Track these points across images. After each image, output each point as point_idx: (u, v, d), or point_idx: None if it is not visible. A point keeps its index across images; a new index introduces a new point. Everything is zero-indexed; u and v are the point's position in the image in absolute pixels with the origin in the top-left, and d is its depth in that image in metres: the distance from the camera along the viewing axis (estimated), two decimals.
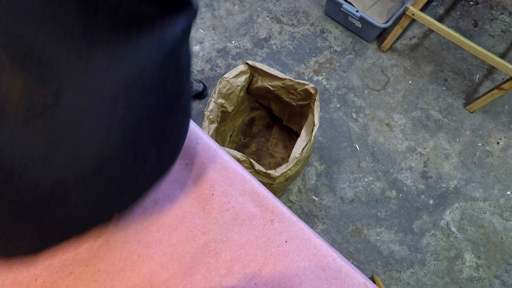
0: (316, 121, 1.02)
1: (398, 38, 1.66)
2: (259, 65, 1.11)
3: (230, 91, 1.13)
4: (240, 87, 1.14)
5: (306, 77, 1.60)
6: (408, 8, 1.35)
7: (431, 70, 1.60)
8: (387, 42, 1.58)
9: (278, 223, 0.56)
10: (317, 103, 1.06)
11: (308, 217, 1.38)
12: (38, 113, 0.21)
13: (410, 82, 1.58)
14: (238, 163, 0.62)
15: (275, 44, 1.67)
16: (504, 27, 1.67)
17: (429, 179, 1.42)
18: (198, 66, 1.63)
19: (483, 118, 1.51)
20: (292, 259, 0.55)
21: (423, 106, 1.54)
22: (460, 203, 1.39)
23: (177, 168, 0.60)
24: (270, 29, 1.70)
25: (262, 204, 0.57)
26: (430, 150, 1.47)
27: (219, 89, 1.10)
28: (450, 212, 1.37)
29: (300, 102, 1.17)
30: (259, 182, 0.60)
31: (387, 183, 1.42)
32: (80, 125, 0.24)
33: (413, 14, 1.36)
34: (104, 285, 0.55)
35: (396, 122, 1.51)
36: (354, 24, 1.60)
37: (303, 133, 1.06)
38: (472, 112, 1.52)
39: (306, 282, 0.54)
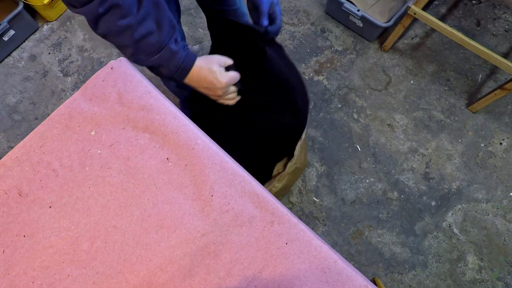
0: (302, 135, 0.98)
1: (400, 37, 1.66)
2: None
3: None
4: None
5: (306, 77, 1.60)
6: (410, 7, 1.36)
7: (433, 70, 1.60)
8: (389, 42, 1.58)
9: (278, 225, 0.56)
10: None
11: (308, 219, 1.38)
12: None
13: (412, 82, 1.58)
14: (238, 164, 0.62)
15: None
16: (507, 26, 1.67)
17: (431, 180, 1.42)
18: None
19: (485, 119, 1.51)
20: (293, 261, 0.55)
21: (425, 106, 1.54)
22: (463, 205, 1.39)
23: (176, 169, 0.60)
24: None
25: (262, 205, 0.57)
26: (432, 151, 1.47)
27: None
28: (452, 214, 1.38)
29: None
30: (260, 184, 0.60)
31: (389, 184, 1.42)
32: None
33: (415, 13, 1.36)
34: (102, 287, 0.55)
35: (398, 122, 1.52)
36: (355, 23, 1.60)
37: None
38: (474, 113, 1.52)
39: (307, 284, 0.54)
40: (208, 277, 0.56)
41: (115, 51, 1.67)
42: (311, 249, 0.56)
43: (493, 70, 1.59)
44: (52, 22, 1.73)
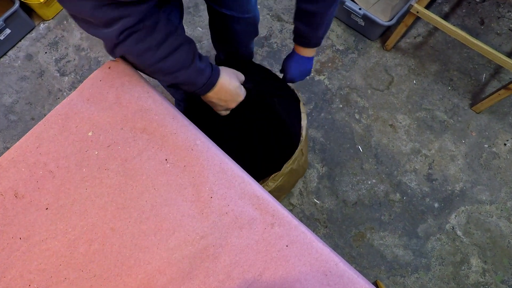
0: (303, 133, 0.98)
1: (402, 36, 1.66)
2: None
3: None
4: None
5: (307, 77, 1.60)
6: (412, 5, 1.36)
7: (436, 70, 1.60)
8: (391, 41, 1.58)
9: (278, 227, 0.57)
10: (303, 115, 1.01)
11: (309, 221, 1.38)
12: None
13: (414, 81, 1.59)
14: (237, 165, 0.62)
15: (275, 42, 1.67)
16: (511, 25, 1.67)
17: (434, 182, 1.43)
18: None
19: (489, 119, 1.51)
20: (293, 264, 0.55)
21: (428, 106, 1.54)
22: (466, 206, 1.39)
23: (175, 171, 0.60)
24: (271, 27, 1.70)
25: (262, 207, 0.57)
26: (435, 152, 1.47)
27: None
28: (455, 216, 1.38)
29: None
30: (259, 185, 0.60)
31: (391, 186, 1.42)
32: None
33: (417, 12, 1.36)
34: None
35: (400, 123, 1.52)
36: (357, 22, 1.60)
37: None
38: (478, 113, 1.52)
39: (308, 287, 0.54)
40: (207, 280, 0.56)
41: None
42: (312, 251, 0.56)
43: (497, 69, 1.59)
44: (49, 21, 1.73)
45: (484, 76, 1.59)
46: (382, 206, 1.39)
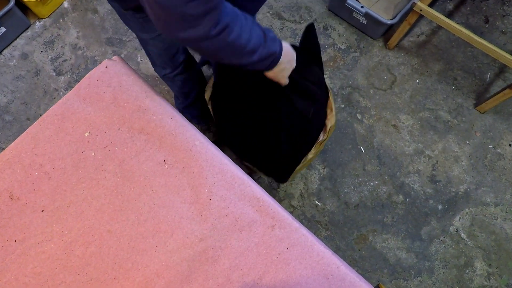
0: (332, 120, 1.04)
1: (405, 35, 1.66)
2: None
3: None
4: None
5: None
6: (416, 3, 1.36)
7: (440, 69, 1.60)
8: (394, 39, 1.59)
9: (279, 229, 0.57)
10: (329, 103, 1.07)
11: (310, 223, 1.38)
12: None
13: (417, 81, 1.59)
14: (237, 166, 0.62)
15: None
16: None
17: (437, 183, 1.43)
18: None
19: (494, 119, 1.51)
20: (294, 267, 0.55)
21: (431, 106, 1.54)
22: (470, 208, 1.39)
23: (173, 172, 0.60)
24: (271, 25, 1.71)
25: (262, 209, 0.58)
26: (438, 153, 1.47)
27: None
28: (459, 218, 1.38)
29: None
30: (260, 186, 0.60)
31: (394, 187, 1.42)
32: None
33: (421, 10, 1.36)
34: None
35: (403, 123, 1.52)
36: (359, 20, 1.60)
37: None
38: (483, 113, 1.52)
39: None
40: (207, 283, 0.56)
41: (110, 49, 1.68)
42: (313, 254, 0.56)
43: (502, 69, 1.59)
44: (45, 19, 1.74)
45: (488, 75, 1.59)
46: (384, 208, 1.39)
